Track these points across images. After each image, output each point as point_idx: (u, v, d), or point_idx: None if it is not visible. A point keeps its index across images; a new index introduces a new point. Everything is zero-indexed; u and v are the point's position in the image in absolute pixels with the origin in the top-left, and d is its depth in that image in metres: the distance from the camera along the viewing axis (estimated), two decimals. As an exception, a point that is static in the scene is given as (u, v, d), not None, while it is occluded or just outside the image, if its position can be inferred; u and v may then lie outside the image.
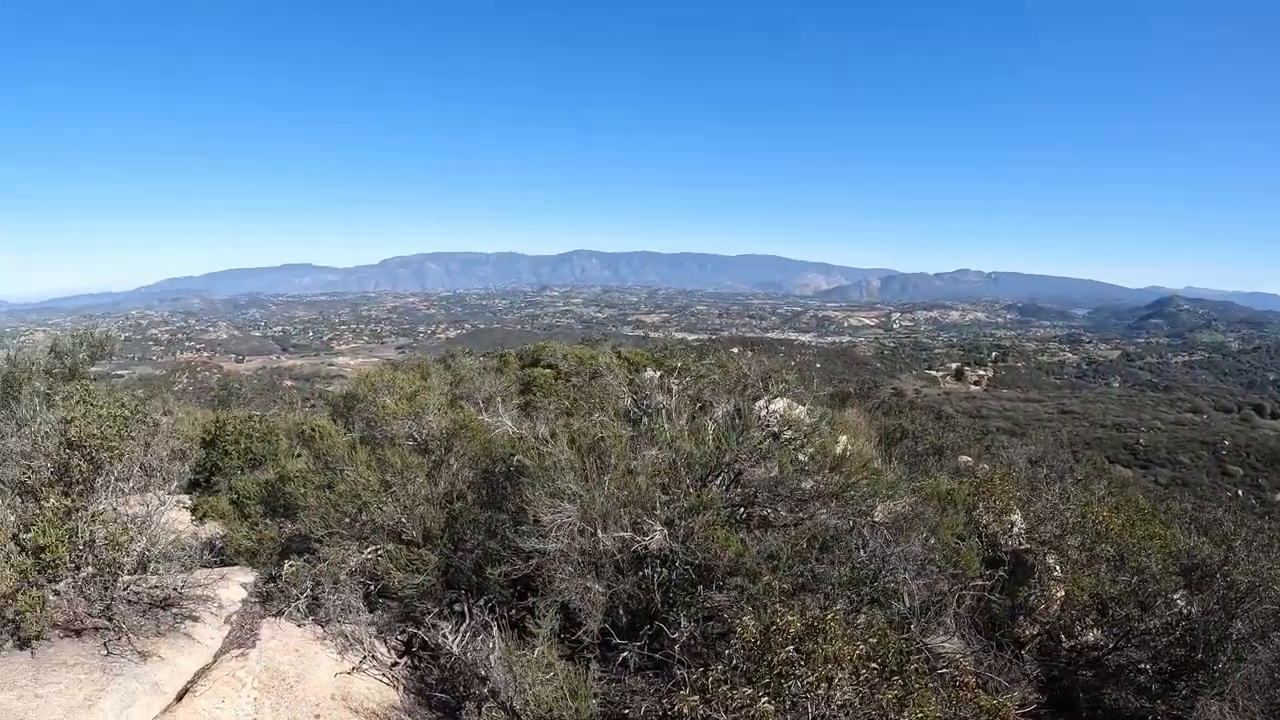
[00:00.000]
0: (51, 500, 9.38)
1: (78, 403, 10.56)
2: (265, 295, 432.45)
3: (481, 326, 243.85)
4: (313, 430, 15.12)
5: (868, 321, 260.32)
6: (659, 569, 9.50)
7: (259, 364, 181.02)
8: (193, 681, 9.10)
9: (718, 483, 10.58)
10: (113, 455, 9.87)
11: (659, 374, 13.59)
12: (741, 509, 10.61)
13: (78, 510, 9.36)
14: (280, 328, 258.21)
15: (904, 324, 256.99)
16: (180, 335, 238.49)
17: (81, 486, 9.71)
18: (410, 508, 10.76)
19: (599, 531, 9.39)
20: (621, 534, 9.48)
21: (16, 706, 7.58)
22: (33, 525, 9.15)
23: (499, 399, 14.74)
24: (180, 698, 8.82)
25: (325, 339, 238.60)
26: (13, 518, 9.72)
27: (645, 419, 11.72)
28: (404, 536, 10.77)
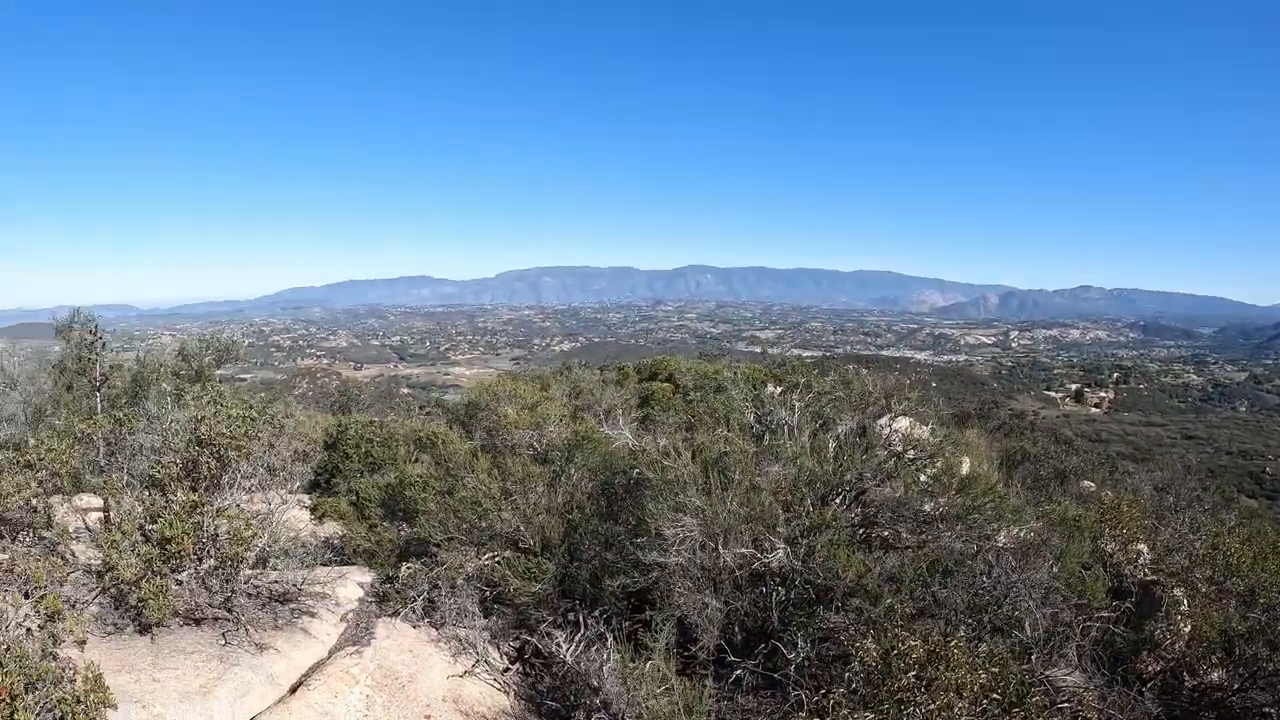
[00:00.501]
0: (179, 494, 9.59)
1: (208, 402, 10.78)
2: (384, 306, 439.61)
3: (595, 340, 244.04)
4: (433, 437, 15.25)
5: (985, 340, 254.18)
6: (777, 587, 9.36)
7: (376, 372, 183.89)
8: (307, 675, 9.20)
9: (838, 501, 10.41)
10: (240, 454, 10.06)
11: (779, 390, 13.44)
12: (862, 529, 10.43)
13: (204, 505, 9.54)
14: (398, 337, 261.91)
15: (1022, 342, 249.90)
16: (301, 342, 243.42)
17: (208, 482, 9.91)
18: (530, 517, 10.75)
19: (720, 547, 9.27)
20: (742, 550, 9.34)
21: (134, 689, 7.71)
22: (160, 517, 9.34)
23: (620, 411, 14.71)
24: (294, 690, 8.93)
25: (441, 349, 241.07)
26: (140, 509, 9.96)
27: (767, 435, 11.60)
28: (521, 545, 10.77)
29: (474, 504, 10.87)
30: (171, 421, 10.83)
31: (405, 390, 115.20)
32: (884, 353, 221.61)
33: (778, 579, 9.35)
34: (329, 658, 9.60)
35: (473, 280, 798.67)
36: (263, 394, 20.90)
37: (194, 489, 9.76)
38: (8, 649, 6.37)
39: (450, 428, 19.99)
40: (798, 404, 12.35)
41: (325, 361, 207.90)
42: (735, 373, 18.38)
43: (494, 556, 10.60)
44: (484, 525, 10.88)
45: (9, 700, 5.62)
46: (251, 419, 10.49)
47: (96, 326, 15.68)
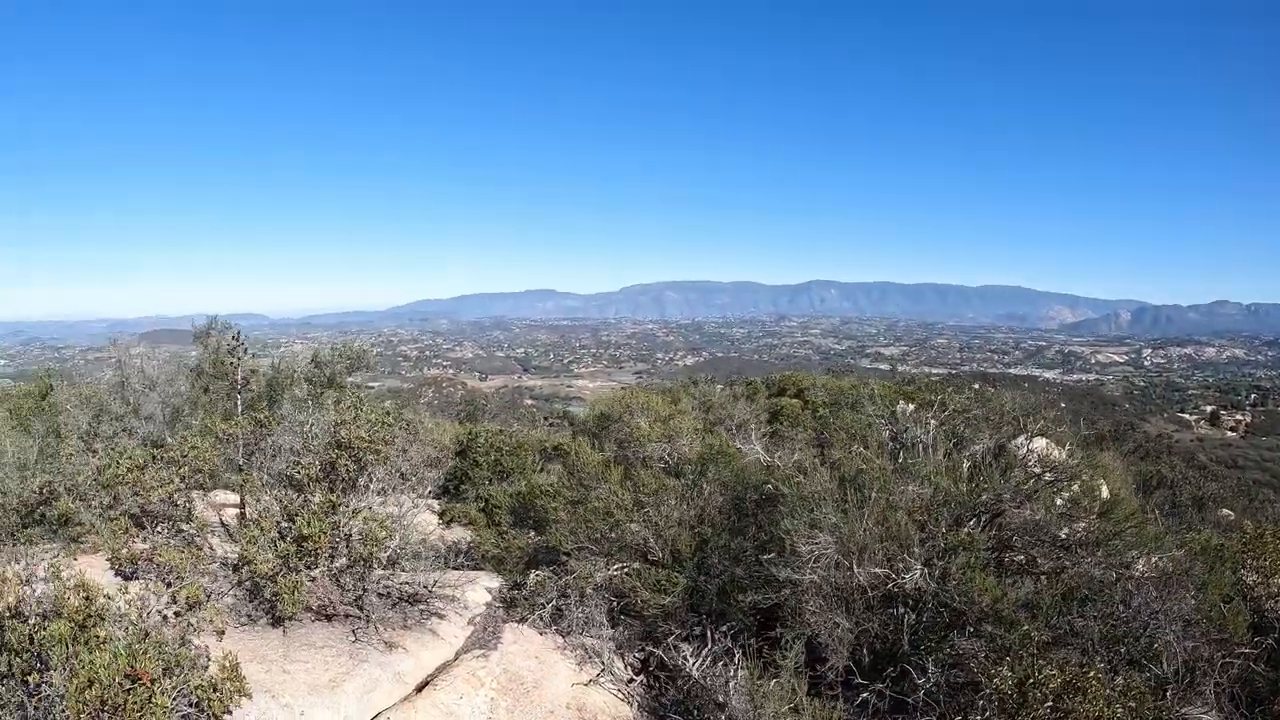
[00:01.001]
0: (318, 495, 9.79)
1: (349, 407, 11.01)
2: (509, 318, 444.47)
3: (719, 355, 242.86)
4: (565, 447, 15.33)
5: (1115, 358, 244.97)
6: (909, 609, 9.20)
7: (500, 383, 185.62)
8: (433, 675, 9.32)
9: (973, 523, 10.18)
10: (377, 458, 10.26)
11: (912, 407, 13.24)
12: (995, 552, 10.18)
13: (340, 505, 9.74)
14: (522, 349, 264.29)
15: (1155, 361, 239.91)
16: (428, 353, 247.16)
17: (345, 484, 10.10)
18: (662, 529, 10.74)
19: (854, 566, 9.12)
20: (876, 570, 9.19)
21: (265, 679, 7.87)
22: (298, 516, 9.56)
23: (751, 426, 14.64)
24: (420, 689, 9.04)
25: (565, 362, 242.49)
26: (277, 507, 10.22)
27: (902, 453, 11.41)
28: (649, 557, 10.75)
29: (606, 514, 10.88)
30: (312, 425, 11.08)
31: (529, 401, 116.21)
32: (1011, 371, 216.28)
33: (910, 601, 9.18)
34: (455, 659, 9.71)
35: (597, 294, 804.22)
36: (390, 401, 21.29)
37: (331, 490, 9.97)
38: (147, 634, 6.54)
39: (576, 439, 20.12)
40: (932, 422, 12.15)
41: (451, 372, 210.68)
42: (869, 390, 18.20)
43: (623, 567, 10.60)
44: (614, 536, 10.89)
45: (148, 684, 5.75)
46: (388, 424, 10.70)
47: (239, 334, 16.15)
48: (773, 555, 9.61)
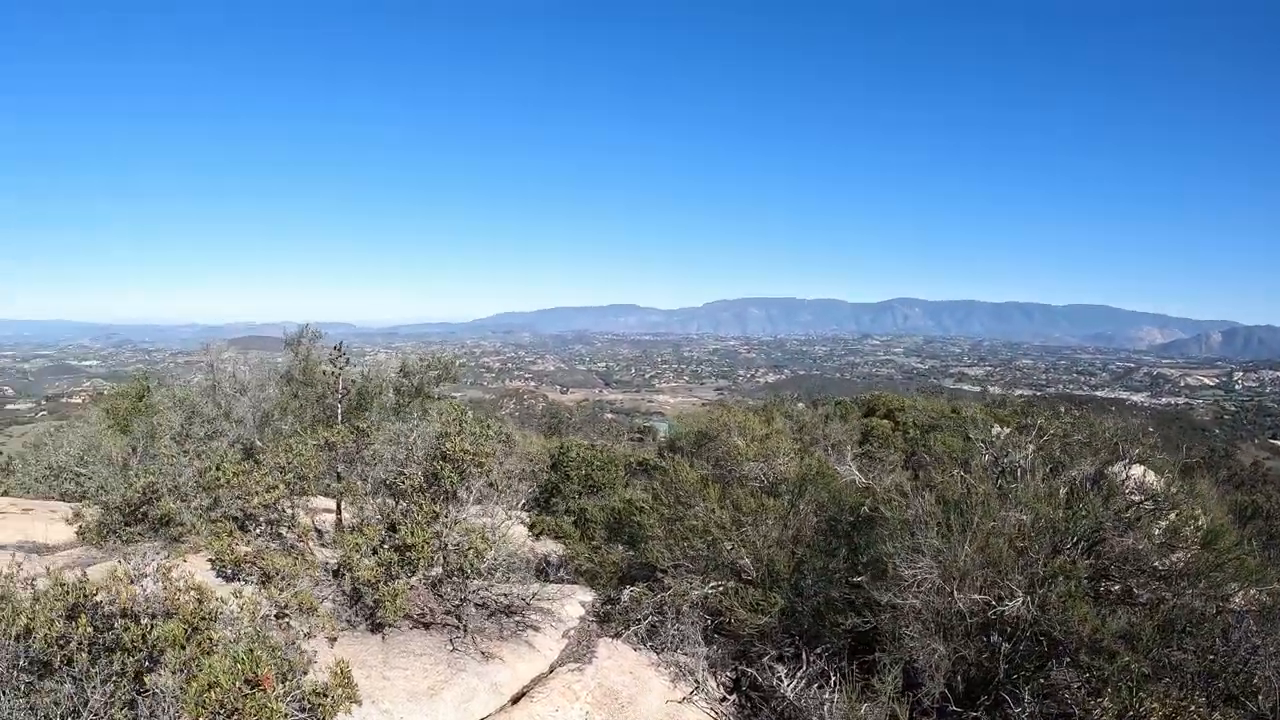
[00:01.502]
0: (421, 505, 9.89)
1: (454, 420, 11.10)
2: (591, 332, 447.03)
3: (800, 372, 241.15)
4: (652, 463, 15.33)
5: (1206, 381, 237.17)
6: (1005, 638, 9.05)
7: (581, 396, 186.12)
8: (529, 687, 9.36)
9: (1071, 550, 10.00)
10: (480, 470, 10.34)
11: (1006, 430, 13.05)
12: (1093, 581, 9.98)
13: (442, 515, 9.83)
14: (604, 363, 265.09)
15: (1247, 384, 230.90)
16: (510, 365, 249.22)
17: (446, 495, 10.19)
18: (759, 549, 10.69)
19: (955, 591, 9.01)
20: (975, 596, 9.06)
21: (365, 685, 7.94)
22: (400, 525, 9.66)
23: (847, 446, 14.54)
24: (516, 701, 9.08)
25: (646, 376, 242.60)
26: (378, 515, 10.34)
27: (1002, 477, 11.25)
28: (744, 576, 10.71)
29: (703, 532, 10.86)
30: (417, 436, 11.20)
31: (609, 415, 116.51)
32: (1098, 394, 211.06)
33: (1008, 629, 9.04)
34: (550, 672, 9.74)
35: (679, 309, 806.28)
36: (472, 413, 21.55)
37: (433, 500, 10.07)
38: (264, 638, 6.61)
39: (665, 455, 20.12)
40: (1031, 446, 11.97)
41: (532, 384, 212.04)
42: (971, 414, 17.94)
43: (718, 586, 10.57)
44: (710, 554, 10.86)
45: (267, 689, 5.81)
46: (487, 436, 10.78)
47: (341, 343, 16.36)
48: (864, 578, 9.53)
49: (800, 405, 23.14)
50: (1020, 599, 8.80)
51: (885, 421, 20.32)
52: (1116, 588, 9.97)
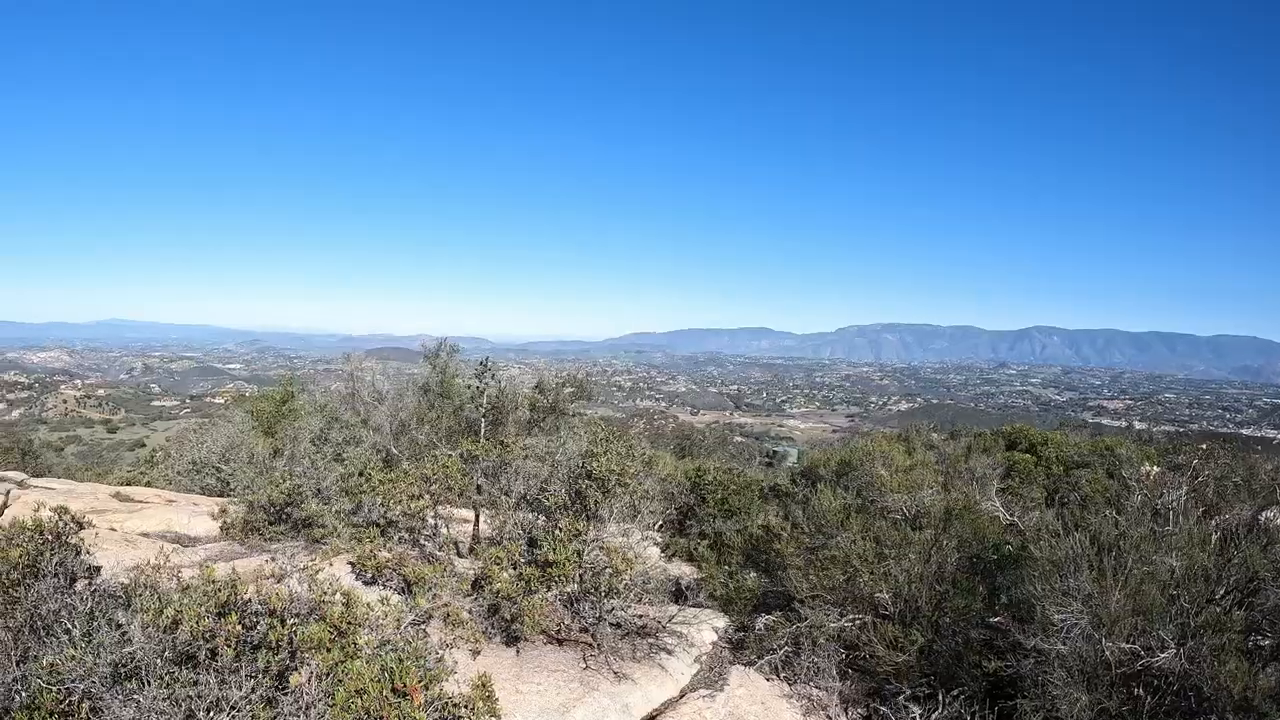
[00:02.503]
0: (564, 522, 9.87)
1: (601, 439, 11.10)
2: (723, 354, 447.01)
3: (934, 401, 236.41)
4: (793, 490, 15.12)
5: None
6: (1151, 690, 8.62)
7: (712, 418, 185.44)
8: (659, 711, 9.34)
9: (1222, 599, 9.49)
10: (625, 490, 10.30)
11: (1155, 469, 12.54)
12: (1244, 634, 9.46)
13: (583, 533, 9.79)
14: (735, 386, 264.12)
15: None
16: (641, 384, 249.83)
17: (589, 513, 10.16)
18: (900, 583, 10.43)
19: (1104, 639, 8.62)
20: (1124, 645, 8.65)
21: (499, 698, 7.93)
22: (542, 540, 9.65)
23: (992, 481, 14.14)
24: (645, 724, 9.01)
25: (777, 401, 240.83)
26: (518, 529, 10.35)
27: (1154, 519, 10.78)
28: (882, 610, 10.46)
29: (844, 563, 10.63)
30: (562, 453, 11.22)
31: (739, 438, 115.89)
32: (1243, 431, 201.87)
33: (1154, 681, 8.61)
34: (681, 697, 9.69)
35: (812, 334, 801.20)
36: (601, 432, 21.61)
37: (576, 518, 10.05)
38: (412, 648, 6.61)
39: (794, 480, 19.87)
40: (1184, 487, 11.47)
41: (663, 404, 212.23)
42: (1118, 450, 17.36)
43: (855, 619, 10.34)
44: (848, 586, 10.63)
45: (412, 699, 5.80)
46: (631, 456, 10.74)
47: (488, 358, 16.52)
48: (1003, 619, 9.22)
49: (936, 436, 22.71)
50: (1171, 650, 8.39)
51: (1028, 456, 19.80)
52: (1268, 642, 9.45)
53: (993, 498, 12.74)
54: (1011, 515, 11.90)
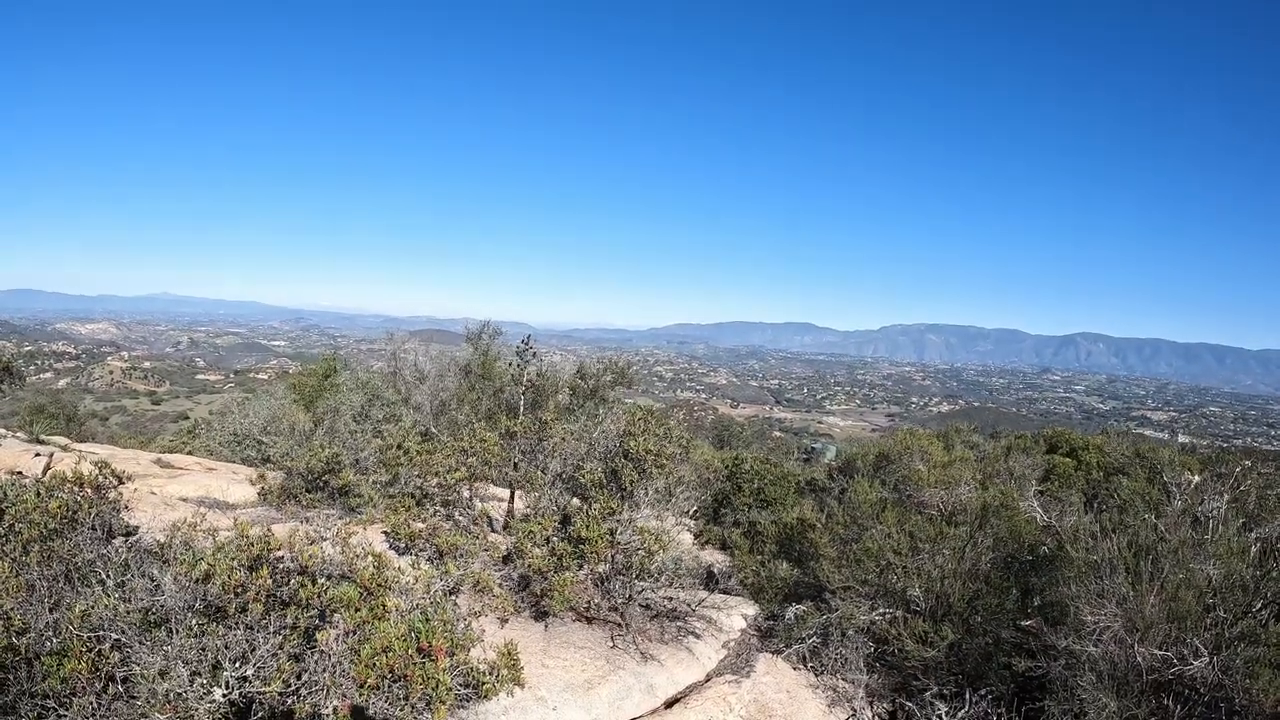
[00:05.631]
0: (599, 501, 9.88)
1: (639, 420, 11.11)
2: (766, 349, 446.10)
3: (975, 404, 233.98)
4: (829, 484, 15.07)
5: None
6: (1181, 700, 8.50)
7: (751, 411, 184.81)
8: (684, 693, 9.35)
9: (1259, 611, 9.35)
10: (660, 472, 10.30)
11: (1197, 477, 12.37)
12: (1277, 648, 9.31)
13: (618, 513, 9.80)
14: (776, 381, 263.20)
15: None
16: (683, 375, 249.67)
17: (624, 493, 10.17)
18: (933, 579, 10.36)
19: (1136, 644, 8.51)
20: (1156, 651, 8.53)
21: (524, 669, 7.97)
22: (575, 518, 9.67)
23: (1030, 482, 14.03)
24: (670, 705, 9.08)
25: (818, 397, 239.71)
26: (552, 506, 10.38)
27: (1193, 527, 10.62)
28: (913, 606, 10.40)
29: (877, 556, 10.57)
30: (600, 433, 11.24)
31: (777, 433, 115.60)
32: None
33: (1185, 690, 8.49)
34: (707, 681, 9.69)
35: (856, 331, 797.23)
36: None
37: (610, 497, 10.06)
38: (434, 610, 6.65)
39: (831, 476, 19.80)
40: (1225, 495, 11.31)
41: (703, 396, 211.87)
42: (1161, 454, 17.17)
43: (885, 613, 10.28)
44: (880, 580, 10.57)
45: (437, 660, 5.83)
46: (669, 439, 10.75)
47: (529, 338, 16.59)
48: (1034, 621, 9.14)
49: (976, 436, 22.60)
50: (1205, 659, 8.27)
51: (1068, 460, 19.63)
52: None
53: (1030, 498, 12.62)
54: (1049, 517, 11.77)
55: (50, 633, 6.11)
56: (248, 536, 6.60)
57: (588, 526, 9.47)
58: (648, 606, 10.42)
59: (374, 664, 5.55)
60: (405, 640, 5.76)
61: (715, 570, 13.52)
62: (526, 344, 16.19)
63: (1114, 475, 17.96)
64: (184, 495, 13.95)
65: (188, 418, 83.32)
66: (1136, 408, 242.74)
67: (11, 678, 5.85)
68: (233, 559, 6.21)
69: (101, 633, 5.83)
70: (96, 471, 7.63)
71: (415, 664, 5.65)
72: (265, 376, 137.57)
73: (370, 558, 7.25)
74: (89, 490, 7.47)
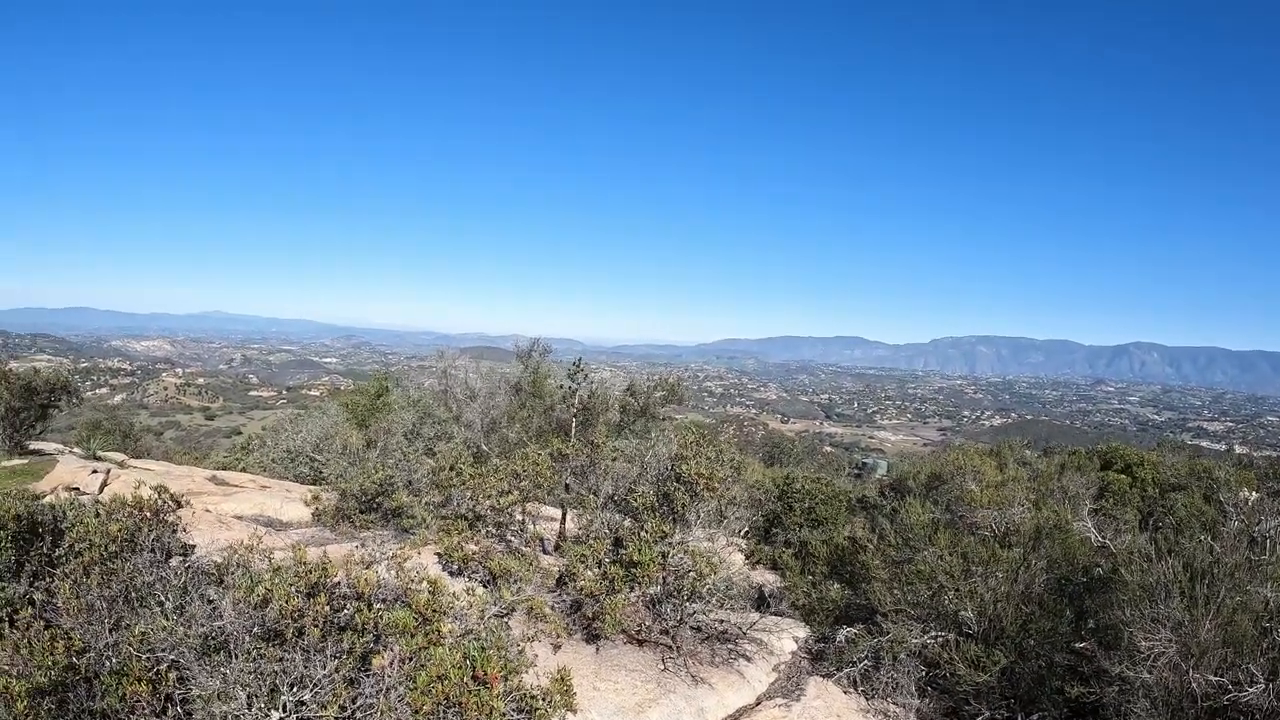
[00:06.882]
0: (650, 524, 9.89)
1: (692, 442, 11.12)
2: (816, 363, 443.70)
3: (1028, 417, 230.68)
4: (881, 502, 15.00)
5: None
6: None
7: (801, 427, 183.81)
8: (734, 717, 9.36)
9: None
10: (713, 494, 10.31)
11: (1254, 495, 12.17)
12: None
13: (669, 536, 9.81)
14: (826, 395, 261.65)
15: None
16: (732, 391, 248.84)
17: (676, 516, 10.18)
18: (985, 601, 10.26)
19: (1191, 670, 8.37)
20: (1211, 677, 8.38)
21: (576, 693, 7.98)
22: (628, 541, 9.69)
23: (1084, 500, 13.88)
24: (720, 728, 9.02)
25: (868, 412, 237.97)
26: (604, 529, 10.40)
27: (1250, 548, 10.43)
28: (965, 629, 10.31)
29: (929, 578, 10.50)
30: (653, 456, 11.27)
31: (828, 448, 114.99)
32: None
33: (1239, 717, 8.33)
34: (757, 704, 9.69)
35: (906, 345, 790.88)
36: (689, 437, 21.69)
37: (662, 520, 10.08)
38: (490, 637, 6.69)
39: (882, 493, 19.70)
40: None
41: (753, 411, 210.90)
42: (1216, 473, 16.91)
43: (938, 636, 10.21)
44: (932, 602, 10.49)
45: (492, 687, 5.87)
46: (721, 461, 10.75)
47: (581, 359, 16.65)
48: (1088, 644, 9.03)
49: (1029, 452, 22.38)
50: (1261, 686, 8.12)
51: (1122, 476, 19.39)
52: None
53: (1085, 518, 12.47)
54: (1103, 537, 11.63)
55: (110, 653, 6.21)
56: (306, 563, 6.67)
57: (640, 550, 9.50)
58: (699, 629, 10.42)
59: (430, 691, 5.60)
60: (461, 668, 5.81)
61: (766, 591, 13.49)
62: (578, 366, 16.23)
63: (1169, 492, 17.74)
64: (239, 513, 14.14)
65: (240, 433, 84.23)
66: (1192, 418, 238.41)
67: (71, 696, 5.97)
68: (290, 584, 6.28)
69: (160, 654, 5.93)
70: (156, 496, 7.74)
71: (470, 691, 5.70)
72: (317, 393, 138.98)
73: (425, 583, 7.31)
74: (148, 514, 7.57)
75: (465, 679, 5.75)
